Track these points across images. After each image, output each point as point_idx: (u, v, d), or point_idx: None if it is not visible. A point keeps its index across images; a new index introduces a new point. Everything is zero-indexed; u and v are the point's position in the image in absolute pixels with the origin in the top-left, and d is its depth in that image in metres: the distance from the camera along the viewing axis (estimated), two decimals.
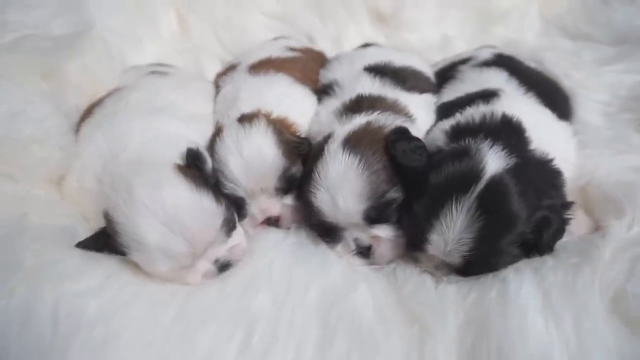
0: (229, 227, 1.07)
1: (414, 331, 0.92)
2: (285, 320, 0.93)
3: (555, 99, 1.30)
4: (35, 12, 1.36)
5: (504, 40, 1.84)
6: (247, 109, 1.27)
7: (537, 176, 1.02)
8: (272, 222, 1.18)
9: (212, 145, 1.20)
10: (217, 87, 1.55)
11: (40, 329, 0.84)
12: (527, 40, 1.83)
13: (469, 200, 0.94)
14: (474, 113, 1.15)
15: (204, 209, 1.01)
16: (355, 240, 1.09)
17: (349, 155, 1.07)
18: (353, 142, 1.10)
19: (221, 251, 1.06)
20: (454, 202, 0.95)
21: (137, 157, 1.09)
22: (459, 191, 0.95)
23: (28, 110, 1.19)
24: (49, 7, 1.39)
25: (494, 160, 0.98)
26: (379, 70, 1.42)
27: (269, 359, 0.88)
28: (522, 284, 0.91)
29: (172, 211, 0.98)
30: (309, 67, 1.57)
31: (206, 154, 1.15)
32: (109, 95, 1.39)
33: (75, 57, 1.46)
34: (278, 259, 1.06)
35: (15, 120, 1.15)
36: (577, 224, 1.07)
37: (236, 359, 0.88)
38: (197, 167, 1.10)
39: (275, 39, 1.86)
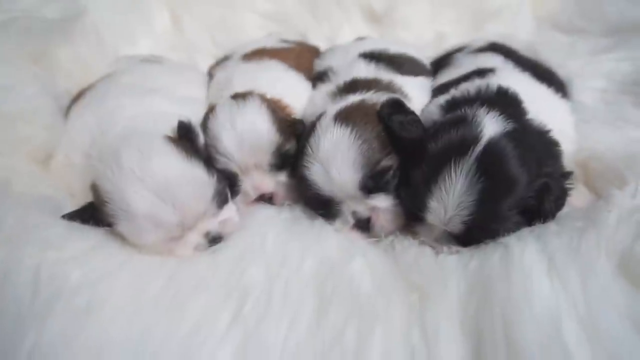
0: (221, 199, 1.03)
1: (414, 299, 0.88)
2: (279, 290, 0.89)
3: (552, 81, 1.29)
4: None
5: (497, 37, 1.84)
6: (240, 90, 1.25)
7: (535, 144, 1.00)
8: (266, 199, 1.15)
9: (204, 123, 1.17)
10: (210, 76, 1.54)
11: (19, 293, 0.79)
12: (521, 37, 1.83)
13: (468, 162, 0.92)
14: (469, 87, 1.14)
15: (195, 178, 0.98)
16: (353, 213, 1.06)
17: (340, 126, 1.05)
18: (345, 115, 1.09)
19: (212, 224, 1.02)
20: (452, 166, 0.93)
21: (126, 132, 1.06)
22: (457, 155, 0.93)
23: (17, 87, 1.17)
24: None
25: (491, 124, 0.96)
26: (374, 57, 1.41)
27: (262, 329, 0.83)
28: (525, 248, 0.88)
29: (162, 179, 0.94)
30: (303, 57, 1.56)
31: (198, 129, 1.13)
32: (100, 79, 1.37)
33: (67, 43, 1.45)
34: (272, 233, 1.01)
35: (3, 96, 1.12)
36: (577, 196, 1.04)
37: (227, 329, 0.83)
38: (189, 140, 1.07)
39: (269, 34, 1.86)
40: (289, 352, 0.80)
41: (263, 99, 1.18)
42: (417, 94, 1.29)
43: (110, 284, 0.85)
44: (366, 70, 1.35)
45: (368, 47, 1.49)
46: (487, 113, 0.99)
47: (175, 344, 0.80)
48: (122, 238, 0.96)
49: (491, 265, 0.88)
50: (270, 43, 1.61)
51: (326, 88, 1.33)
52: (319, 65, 1.53)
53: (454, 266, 0.92)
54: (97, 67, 1.52)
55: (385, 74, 1.33)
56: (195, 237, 1.00)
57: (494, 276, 0.85)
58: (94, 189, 0.98)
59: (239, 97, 1.17)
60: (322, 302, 0.87)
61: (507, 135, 0.95)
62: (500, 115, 0.98)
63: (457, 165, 0.92)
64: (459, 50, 1.53)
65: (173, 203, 0.94)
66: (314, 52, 1.67)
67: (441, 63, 1.51)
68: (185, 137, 1.07)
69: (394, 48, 1.50)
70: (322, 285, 0.90)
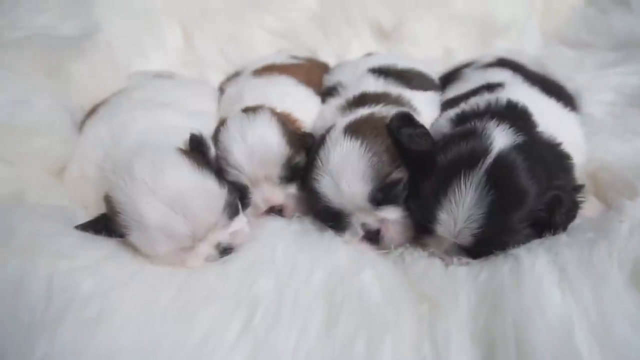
0: (232, 211, 1.04)
1: (424, 310, 0.87)
2: (288, 300, 0.89)
3: (561, 95, 1.29)
4: (45, 14, 1.39)
5: (505, 53, 1.86)
6: (251, 104, 1.27)
7: (546, 157, 1.00)
8: (276, 211, 1.15)
9: (216, 135, 1.18)
10: (222, 91, 1.56)
11: (33, 302, 0.80)
12: (529, 52, 1.85)
13: (478, 175, 0.92)
14: (479, 101, 1.14)
15: (206, 189, 0.99)
16: (363, 225, 1.06)
17: (350, 139, 1.06)
18: (354, 128, 1.10)
19: (223, 235, 1.02)
20: (462, 178, 0.93)
21: (138, 144, 1.08)
22: (467, 167, 0.93)
23: (33, 101, 1.20)
24: (58, 10, 1.42)
25: (501, 137, 0.97)
26: (383, 71, 1.43)
27: (272, 339, 0.83)
28: (536, 260, 0.88)
29: (174, 190, 0.95)
30: (312, 73, 1.58)
31: (209, 142, 1.14)
32: (113, 95, 1.40)
33: (82, 59, 1.48)
34: (281, 244, 1.02)
35: (19, 109, 1.15)
36: (588, 207, 1.04)
37: (237, 339, 0.83)
38: (200, 152, 1.09)
39: (279, 51, 1.89)
40: None
41: (273, 112, 1.19)
42: (426, 107, 1.30)
43: (121, 293, 0.86)
44: (375, 85, 1.36)
45: (377, 62, 1.51)
46: (497, 126, 0.99)
47: (185, 354, 0.80)
48: (134, 249, 0.97)
49: (501, 277, 0.87)
50: (280, 59, 1.63)
51: (335, 102, 1.35)
52: (328, 80, 1.55)
53: (464, 277, 0.92)
54: (111, 82, 1.54)
55: (394, 88, 1.34)
56: (206, 248, 1.01)
57: (505, 287, 0.85)
58: (107, 200, 1.00)
59: (250, 110, 1.19)
60: (331, 312, 0.87)
61: (517, 147, 0.95)
62: (510, 127, 0.99)
63: (466, 178, 0.92)
64: (467, 65, 1.55)
65: (185, 214, 0.95)
66: (323, 68, 1.69)
67: (449, 78, 1.52)
68: (197, 150, 1.08)
69: (402, 63, 1.52)
70: (332, 295, 0.90)
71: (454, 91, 1.38)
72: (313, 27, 2.03)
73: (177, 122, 1.21)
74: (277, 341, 0.83)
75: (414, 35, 1.96)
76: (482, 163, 0.93)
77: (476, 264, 0.95)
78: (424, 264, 0.98)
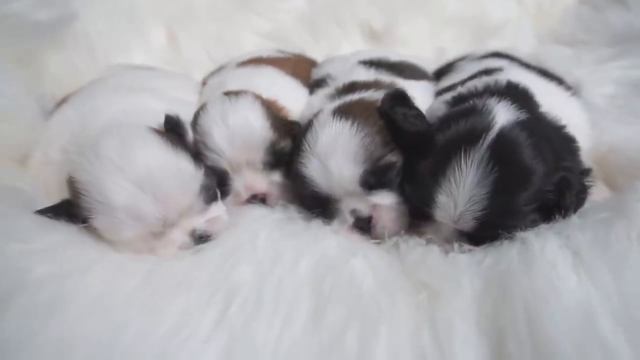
0: (209, 195, 0.94)
1: (422, 299, 0.78)
2: (270, 290, 0.79)
3: (560, 81, 1.23)
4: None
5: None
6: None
7: (552, 136, 0.92)
8: (258, 200, 1.05)
9: (194, 120, 1.09)
10: (204, 84, 1.48)
11: None
12: (524, 51, 1.80)
13: (480, 151, 0.84)
14: (477, 83, 1.07)
15: (180, 169, 0.90)
16: (353, 212, 0.97)
17: (340, 120, 0.98)
18: (345, 109, 1.02)
19: (198, 222, 0.93)
20: (462, 155, 0.84)
21: (110, 125, 0.98)
22: (467, 144, 0.85)
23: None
24: None
25: (503, 113, 0.89)
26: (374, 63, 1.36)
27: (251, 330, 0.73)
28: (546, 244, 0.79)
29: (143, 168, 0.86)
30: (300, 66, 1.51)
31: (187, 126, 1.05)
32: (88, 83, 1.31)
33: (56, 48, 1.40)
34: (264, 232, 0.92)
35: None
36: (597, 193, 0.96)
37: (212, 330, 0.73)
38: (176, 134, 1.00)
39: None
40: (282, 355, 0.70)
41: (257, 96, 1.11)
42: (420, 96, 1.21)
43: (79, 279, 0.76)
44: (366, 74, 1.29)
45: (368, 55, 1.45)
46: (499, 102, 0.92)
47: (150, 346, 0.69)
48: (98, 235, 0.87)
49: (509, 261, 0.78)
50: (267, 53, 1.56)
51: (324, 92, 1.27)
52: (317, 73, 1.48)
53: (467, 264, 0.83)
54: (88, 74, 1.46)
55: (386, 77, 1.27)
56: (180, 235, 0.91)
57: (513, 272, 0.76)
58: (70, 182, 0.90)
59: (232, 93, 1.11)
60: (319, 302, 0.77)
61: (522, 123, 0.88)
62: (512, 104, 0.91)
63: (467, 155, 0.84)
64: (461, 59, 1.49)
65: (155, 195, 0.86)
66: (311, 63, 1.62)
67: (443, 71, 1.46)
68: (173, 131, 0.99)
69: (394, 56, 1.46)
70: (320, 284, 0.80)
71: (448, 82, 1.31)
72: (302, 29, 1.98)
73: (155, 107, 1.11)
74: (257, 333, 0.73)
75: (406, 37, 1.91)
76: (484, 139, 0.85)
77: (479, 251, 0.86)
78: (420, 252, 0.88)
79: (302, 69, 1.50)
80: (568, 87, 1.21)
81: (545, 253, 0.76)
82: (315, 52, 1.96)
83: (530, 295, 0.70)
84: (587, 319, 0.65)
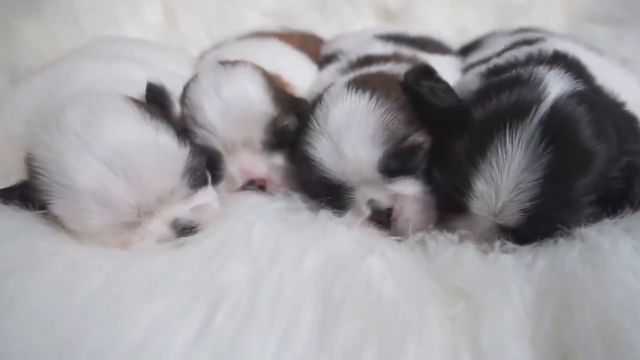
0: (195, 178, 0.79)
1: (459, 310, 0.61)
2: (266, 294, 0.64)
3: (611, 56, 1.06)
4: None
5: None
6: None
7: (612, 114, 0.76)
8: (256, 186, 0.89)
9: (184, 93, 0.93)
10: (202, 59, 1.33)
11: None
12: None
13: (529, 128, 0.68)
14: (517, 53, 0.91)
15: (159, 145, 0.74)
16: (370, 202, 0.80)
17: (356, 93, 0.82)
18: (361, 81, 0.86)
19: (182, 210, 0.77)
20: (507, 133, 0.68)
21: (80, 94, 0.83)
22: (513, 119, 0.69)
23: None
24: None
25: (557, 82, 0.73)
26: (392, 37, 1.20)
27: (241, 345, 0.58)
28: (618, 242, 0.63)
29: (114, 143, 0.70)
30: (308, 41, 1.37)
31: (173, 98, 0.89)
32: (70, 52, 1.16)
33: (35, 18, 1.25)
34: (261, 223, 0.76)
35: None
36: None
37: (191, 346, 0.58)
38: (160, 106, 0.84)
39: None
40: None
41: (257, 66, 0.95)
42: (446, 71, 1.05)
43: (26, 279, 0.61)
44: (383, 49, 1.13)
45: (384, 30, 1.29)
46: (550, 70, 0.75)
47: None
48: (58, 224, 0.71)
49: (570, 264, 0.62)
50: (272, 28, 1.41)
51: (335, 66, 1.12)
52: (327, 49, 1.33)
53: (513, 266, 0.67)
54: (71, 46, 1.30)
55: (406, 51, 1.11)
56: (159, 226, 0.75)
57: (577, 277, 0.59)
58: (28, 160, 0.74)
59: (228, 63, 0.94)
60: (327, 311, 0.62)
61: (579, 95, 0.71)
62: (566, 73, 0.75)
63: (513, 133, 0.68)
64: (490, 35, 1.32)
65: (127, 176, 0.70)
66: (320, 40, 1.46)
67: (470, 47, 1.30)
68: (155, 103, 0.83)
69: (414, 31, 1.30)
70: (328, 287, 0.65)
71: (478, 56, 1.15)
72: (311, 7, 1.83)
73: (139, 77, 0.95)
74: (248, 349, 0.57)
75: (425, 16, 1.75)
76: (535, 113, 0.68)
77: (526, 251, 0.70)
78: (453, 251, 0.72)
79: (310, 43, 1.35)
80: (619, 62, 1.04)
81: (620, 254, 0.59)
82: (324, 33, 1.80)
83: (605, 307, 0.54)
84: None
